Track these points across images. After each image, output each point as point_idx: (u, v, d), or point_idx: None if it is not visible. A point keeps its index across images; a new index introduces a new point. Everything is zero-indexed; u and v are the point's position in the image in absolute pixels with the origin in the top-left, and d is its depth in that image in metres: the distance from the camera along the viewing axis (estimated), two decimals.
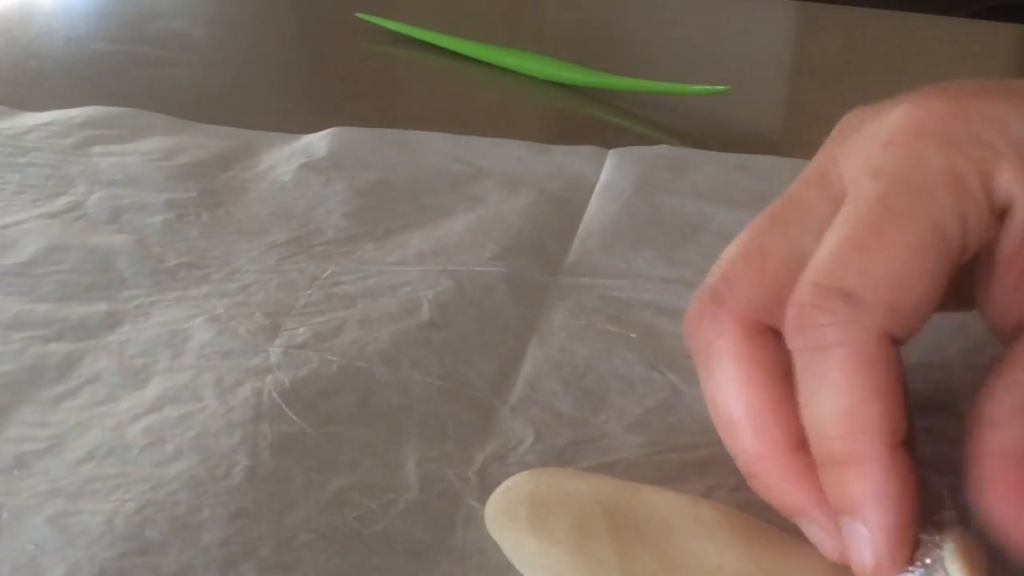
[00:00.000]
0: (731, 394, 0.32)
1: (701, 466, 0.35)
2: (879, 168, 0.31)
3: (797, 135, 0.37)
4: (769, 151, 0.39)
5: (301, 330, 0.40)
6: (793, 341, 0.30)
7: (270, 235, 0.47)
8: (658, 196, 0.50)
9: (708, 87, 0.59)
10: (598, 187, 0.51)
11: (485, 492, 0.34)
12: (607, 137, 0.59)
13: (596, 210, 0.49)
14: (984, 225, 0.29)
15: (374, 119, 0.57)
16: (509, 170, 0.52)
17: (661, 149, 0.54)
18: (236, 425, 0.35)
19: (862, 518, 0.28)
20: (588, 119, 0.63)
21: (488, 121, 0.62)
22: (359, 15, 0.72)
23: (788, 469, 0.31)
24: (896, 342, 0.29)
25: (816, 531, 0.31)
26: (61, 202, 0.48)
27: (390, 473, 0.34)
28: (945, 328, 0.38)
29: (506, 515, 0.33)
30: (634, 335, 0.41)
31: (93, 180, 0.50)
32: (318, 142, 0.54)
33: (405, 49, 0.70)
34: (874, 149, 0.31)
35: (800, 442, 0.30)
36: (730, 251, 0.33)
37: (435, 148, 0.54)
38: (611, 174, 0.52)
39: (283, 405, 0.36)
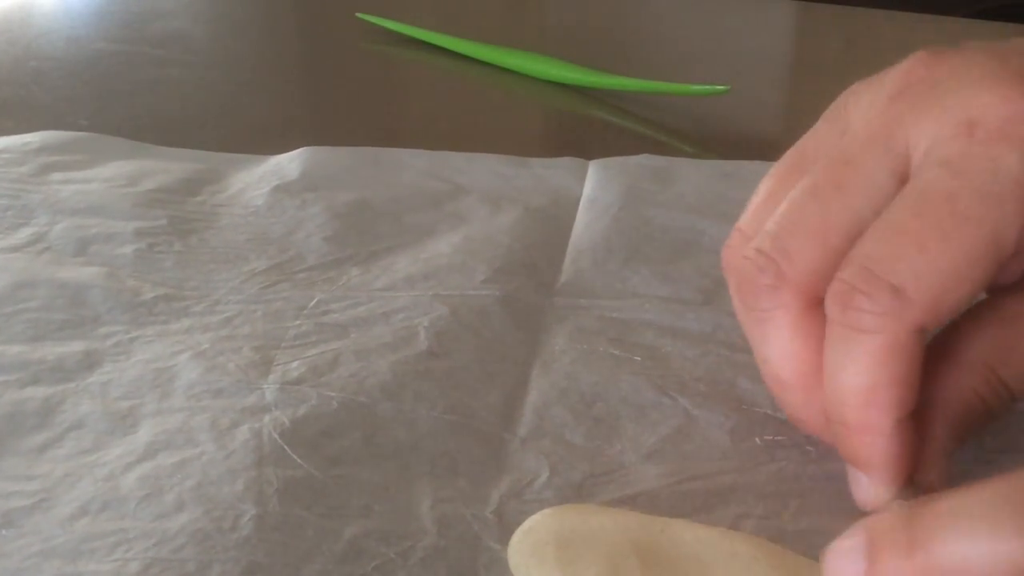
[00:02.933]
0: (785, 359, 0.33)
1: (725, 494, 0.34)
2: (954, 162, 0.30)
3: (797, 135, 0.36)
4: (769, 151, 0.39)
5: (295, 364, 0.38)
6: (832, 311, 0.31)
7: (249, 263, 0.44)
8: (646, 210, 0.48)
9: (708, 87, 0.58)
10: (583, 201, 0.50)
11: (505, 532, 0.32)
12: (607, 137, 0.58)
13: (584, 226, 0.48)
14: None
15: (374, 119, 0.56)
16: (490, 186, 0.51)
17: (643, 158, 0.52)
18: (238, 471, 0.33)
19: (862, 471, 0.32)
20: (588, 119, 0.62)
21: (488, 121, 0.61)
22: (359, 15, 0.71)
23: None
24: (925, 334, 0.30)
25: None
26: (23, 234, 0.46)
27: (405, 517, 0.32)
28: None
29: (533, 557, 0.31)
30: (639, 358, 0.40)
31: (55, 210, 0.48)
32: (288, 163, 0.52)
33: (405, 49, 0.69)
34: (952, 135, 0.31)
35: None
36: (785, 214, 0.33)
37: (410, 165, 0.52)
38: (595, 187, 0.50)
39: (285, 447, 0.34)
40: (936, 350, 0.33)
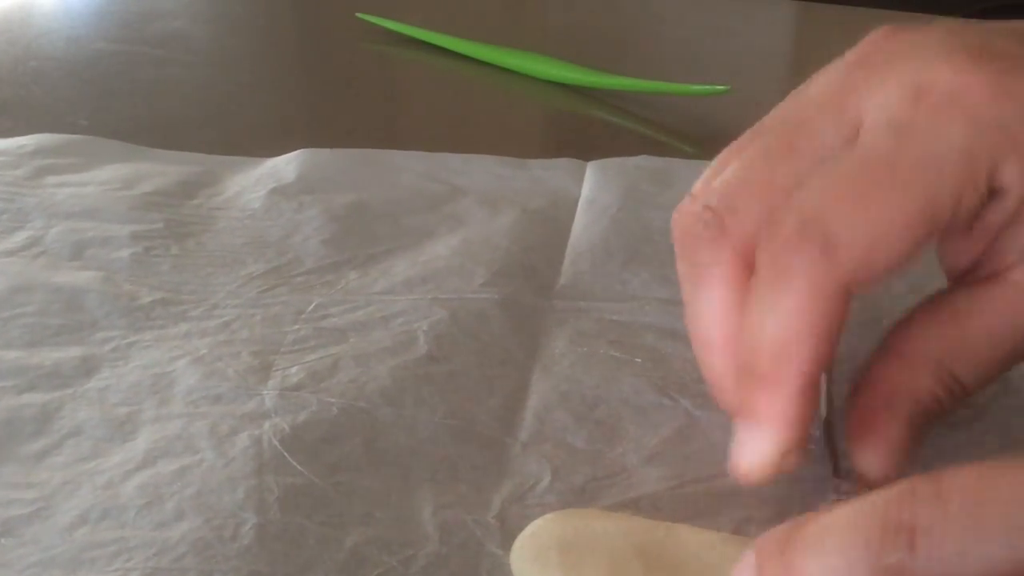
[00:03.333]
0: (715, 317, 0.33)
1: (728, 497, 0.34)
2: (899, 126, 0.31)
3: None
4: None
5: (294, 369, 0.38)
6: (762, 257, 0.31)
7: (246, 266, 0.44)
8: (645, 211, 0.48)
9: (708, 87, 0.58)
10: (581, 202, 0.49)
11: (507, 538, 0.32)
12: (607, 137, 0.58)
13: (582, 227, 0.48)
14: (974, 205, 0.30)
15: (374, 119, 0.56)
16: (487, 187, 0.50)
17: (641, 160, 0.52)
18: (238, 479, 0.33)
19: (756, 428, 0.31)
20: (588, 119, 0.62)
21: (488, 121, 0.61)
22: (359, 15, 0.71)
23: None
24: (851, 294, 0.30)
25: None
26: (18, 238, 0.46)
27: (406, 524, 0.32)
28: None
29: (536, 562, 0.31)
30: (639, 360, 0.40)
31: (50, 213, 0.47)
32: (285, 166, 0.51)
33: (405, 49, 0.69)
34: (901, 100, 0.31)
35: None
36: (735, 172, 0.33)
37: (407, 167, 0.52)
38: (593, 188, 0.50)
39: (285, 454, 0.34)
40: (889, 347, 0.33)
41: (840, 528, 0.25)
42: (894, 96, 0.31)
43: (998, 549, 0.23)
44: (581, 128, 0.62)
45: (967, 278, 0.33)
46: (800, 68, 0.34)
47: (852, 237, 0.29)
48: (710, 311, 0.33)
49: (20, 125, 0.57)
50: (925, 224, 0.30)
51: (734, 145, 0.35)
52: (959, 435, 0.36)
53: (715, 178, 0.34)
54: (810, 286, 0.30)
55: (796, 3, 0.75)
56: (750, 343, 0.31)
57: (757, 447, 0.31)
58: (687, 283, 0.34)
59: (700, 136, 0.58)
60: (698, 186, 0.35)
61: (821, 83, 0.33)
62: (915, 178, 0.30)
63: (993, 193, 0.31)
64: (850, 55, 0.33)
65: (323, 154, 0.52)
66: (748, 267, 0.32)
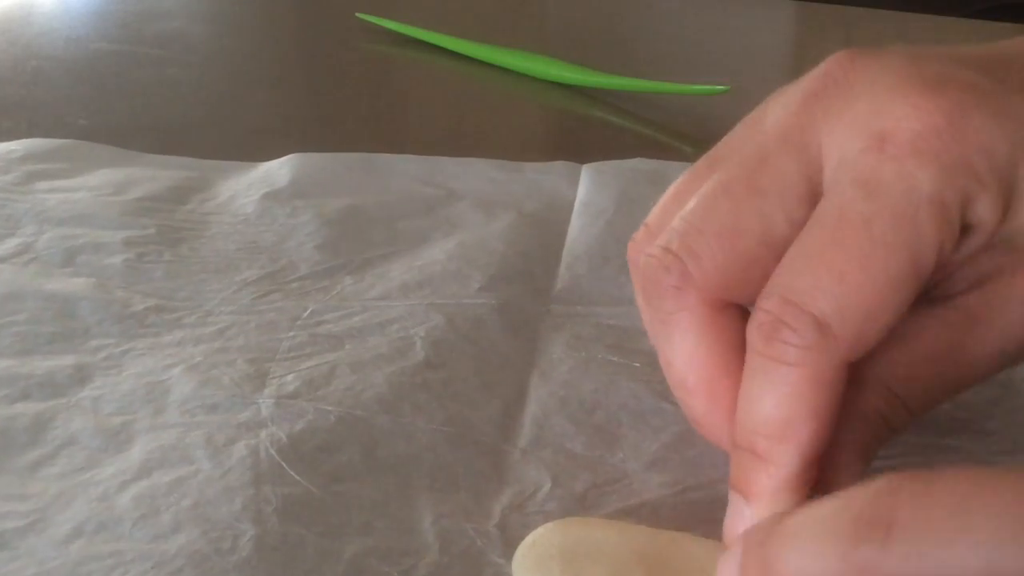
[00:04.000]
0: (689, 364, 0.32)
1: None
2: (867, 181, 0.29)
3: None
4: None
5: (290, 377, 0.38)
6: (754, 342, 0.30)
7: (240, 272, 0.44)
8: (641, 214, 0.47)
9: (708, 87, 0.58)
10: (577, 205, 0.49)
11: (508, 547, 0.32)
12: (607, 137, 0.58)
13: (578, 231, 0.47)
14: (952, 248, 0.30)
15: (374, 119, 0.56)
16: (483, 191, 0.50)
17: (637, 162, 0.52)
18: (235, 489, 0.32)
19: (751, 505, 0.30)
20: (588, 119, 0.62)
21: (488, 121, 0.61)
22: (359, 15, 0.71)
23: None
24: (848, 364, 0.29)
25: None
26: (9, 244, 0.45)
27: (406, 534, 0.32)
28: None
29: (538, 572, 0.30)
30: (638, 365, 0.39)
31: (42, 219, 0.47)
32: (277, 170, 0.51)
33: (405, 49, 0.69)
34: (864, 152, 0.30)
35: None
36: (695, 211, 0.32)
37: (401, 171, 0.52)
38: (589, 191, 0.50)
39: (283, 464, 0.34)
40: None
41: (817, 520, 0.25)
42: (856, 143, 0.30)
43: (976, 560, 0.23)
44: (581, 128, 0.61)
45: (918, 300, 0.32)
46: (800, 68, 0.33)
47: (843, 315, 0.29)
48: (682, 357, 0.32)
49: (20, 125, 0.56)
50: (912, 283, 0.29)
51: (689, 174, 0.34)
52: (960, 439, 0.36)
53: (673, 209, 0.33)
54: (808, 369, 0.29)
55: (796, 3, 0.75)
56: (746, 422, 0.30)
57: (750, 522, 0.30)
58: (653, 329, 0.33)
59: (700, 136, 0.58)
60: (654, 217, 0.34)
61: (779, 114, 0.32)
62: (894, 240, 0.29)
63: (964, 230, 0.30)
64: (807, 83, 0.32)
65: (316, 158, 0.52)
66: (716, 308, 0.32)
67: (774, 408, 0.29)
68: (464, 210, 0.48)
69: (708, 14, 0.74)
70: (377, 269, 0.44)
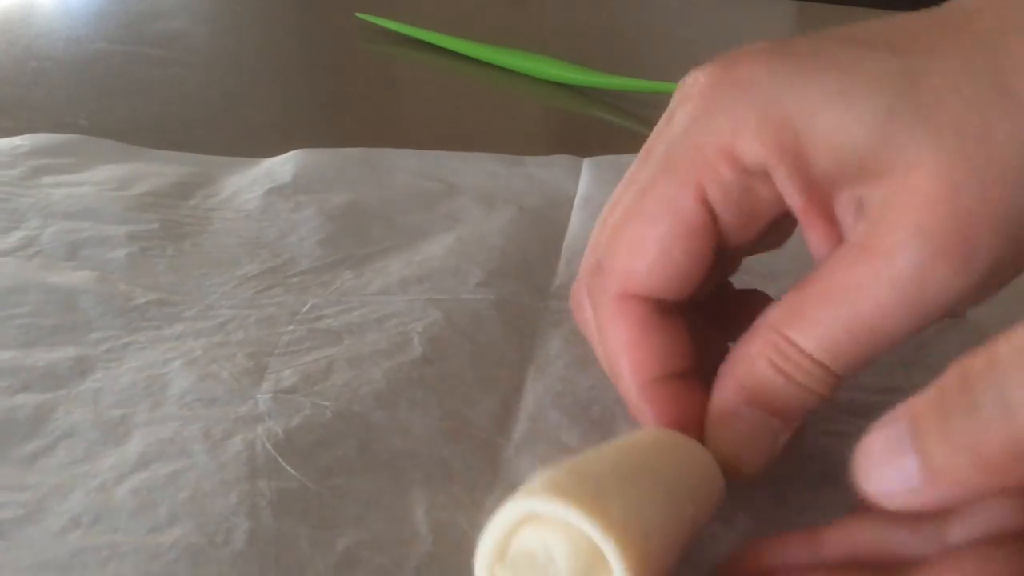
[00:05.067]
0: (615, 353, 0.34)
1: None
2: (650, 145, 0.34)
3: None
4: None
5: (288, 372, 0.38)
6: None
7: (242, 267, 0.44)
8: None
9: None
10: (577, 200, 0.49)
11: None
12: (607, 137, 0.58)
13: (578, 226, 0.47)
14: (736, 193, 0.31)
15: (374, 118, 0.56)
16: (483, 186, 0.50)
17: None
18: (231, 483, 0.33)
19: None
20: (588, 119, 0.62)
21: (488, 121, 0.61)
22: (359, 15, 0.72)
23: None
24: (660, 303, 0.33)
25: None
26: (14, 238, 0.46)
27: (399, 525, 0.32)
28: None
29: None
30: None
31: (46, 213, 0.47)
32: (281, 166, 0.51)
33: (405, 49, 0.70)
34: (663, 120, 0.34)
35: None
36: (611, 234, 0.34)
37: (403, 166, 0.52)
38: (589, 186, 0.50)
39: (279, 458, 0.34)
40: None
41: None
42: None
43: None
44: (580, 128, 0.62)
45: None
46: None
47: (612, 255, 0.33)
48: (615, 353, 0.34)
49: (20, 125, 0.57)
50: (670, 214, 0.32)
51: (627, 176, 0.35)
52: None
53: (610, 211, 0.35)
54: (599, 310, 0.34)
55: (796, 3, 0.74)
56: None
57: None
58: (585, 332, 0.36)
59: None
60: (595, 233, 0.36)
61: (683, 114, 0.33)
62: (651, 187, 0.32)
63: (765, 174, 0.31)
64: (702, 85, 0.33)
65: (319, 154, 0.52)
66: (627, 300, 0.34)
67: (602, 356, 0.35)
68: (465, 205, 0.49)
69: (708, 14, 0.74)
70: (377, 264, 0.44)
